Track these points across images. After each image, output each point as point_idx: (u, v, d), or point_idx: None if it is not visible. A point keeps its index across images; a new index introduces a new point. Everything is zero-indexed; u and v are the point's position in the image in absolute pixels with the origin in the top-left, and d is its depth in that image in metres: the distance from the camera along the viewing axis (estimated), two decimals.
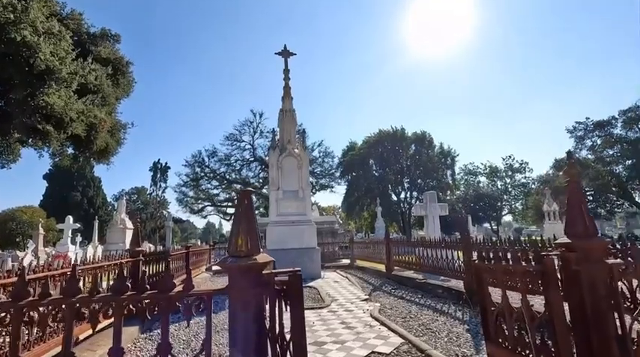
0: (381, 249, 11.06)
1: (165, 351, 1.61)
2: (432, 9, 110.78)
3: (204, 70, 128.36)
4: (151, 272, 6.76)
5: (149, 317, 1.64)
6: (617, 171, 32.79)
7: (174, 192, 39.12)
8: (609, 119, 32.57)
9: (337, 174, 40.87)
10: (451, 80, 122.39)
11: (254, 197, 33.00)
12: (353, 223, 46.12)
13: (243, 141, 37.99)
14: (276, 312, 1.85)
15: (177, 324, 5.10)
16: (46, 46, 10.07)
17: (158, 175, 47.08)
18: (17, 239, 31.18)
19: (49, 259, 14.19)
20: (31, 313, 1.60)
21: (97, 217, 28.43)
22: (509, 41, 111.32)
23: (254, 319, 1.63)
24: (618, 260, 2.44)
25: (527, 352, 2.30)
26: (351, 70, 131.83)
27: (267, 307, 1.81)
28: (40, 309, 1.61)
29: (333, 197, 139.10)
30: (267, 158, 25.72)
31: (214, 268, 12.83)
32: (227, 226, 61.33)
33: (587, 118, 33.77)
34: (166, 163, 47.14)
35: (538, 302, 2.31)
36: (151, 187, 48.30)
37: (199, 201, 39.35)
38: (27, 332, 3.18)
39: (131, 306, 1.63)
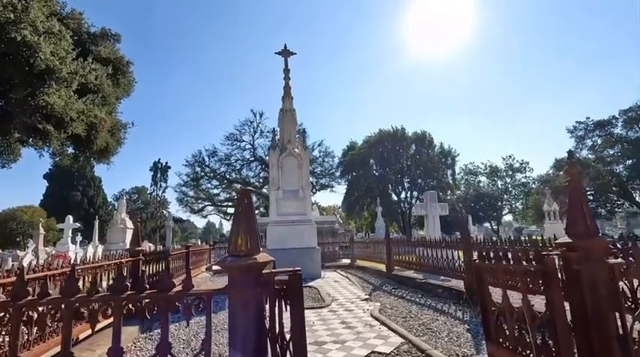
0: (382, 249, 11.06)
1: (165, 351, 1.61)
2: (432, 9, 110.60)
3: (204, 70, 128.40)
4: (150, 272, 6.75)
5: (149, 317, 1.64)
6: (618, 171, 32.77)
7: (174, 192, 39.31)
8: (610, 119, 32.56)
9: (337, 174, 40.94)
10: (451, 80, 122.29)
11: (254, 197, 33.15)
12: (353, 222, 46.12)
13: (244, 141, 38.10)
14: (276, 311, 1.85)
15: (177, 324, 5.10)
16: (46, 45, 10.05)
17: (158, 175, 47.18)
18: (17, 239, 31.20)
19: (49, 258, 14.18)
20: (30, 312, 1.60)
21: (97, 216, 28.43)
22: (509, 41, 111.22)
23: (254, 319, 1.63)
24: (619, 260, 2.43)
25: (528, 351, 2.29)
26: (351, 70, 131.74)
27: (267, 306, 1.80)
28: (39, 309, 1.61)
29: (333, 197, 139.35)
30: (267, 158, 25.73)
31: (214, 267, 12.83)
32: (227, 226, 61.35)
33: (588, 118, 33.85)
34: (167, 163, 47.29)
35: (539, 302, 2.30)
36: (151, 186, 48.50)
37: (199, 201, 39.40)
38: (26, 332, 3.17)
39: (130, 306, 1.63)
